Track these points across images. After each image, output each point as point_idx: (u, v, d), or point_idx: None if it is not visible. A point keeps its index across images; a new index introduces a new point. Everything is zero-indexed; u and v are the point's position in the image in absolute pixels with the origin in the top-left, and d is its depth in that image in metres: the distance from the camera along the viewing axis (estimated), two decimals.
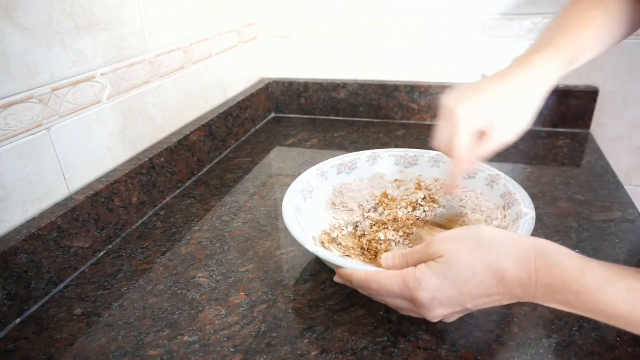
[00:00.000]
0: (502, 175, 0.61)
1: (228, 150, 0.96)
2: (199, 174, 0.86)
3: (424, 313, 0.42)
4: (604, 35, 0.52)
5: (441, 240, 0.42)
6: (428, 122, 1.04)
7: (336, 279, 0.49)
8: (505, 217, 0.57)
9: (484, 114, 0.49)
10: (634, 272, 0.35)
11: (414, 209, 0.64)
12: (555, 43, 0.50)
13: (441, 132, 0.52)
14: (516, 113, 0.49)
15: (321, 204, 0.65)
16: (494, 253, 0.39)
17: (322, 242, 0.58)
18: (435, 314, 0.41)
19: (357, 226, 0.63)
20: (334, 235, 0.60)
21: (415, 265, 0.42)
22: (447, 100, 0.51)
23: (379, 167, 0.70)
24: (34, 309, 0.55)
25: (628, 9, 0.52)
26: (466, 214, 0.62)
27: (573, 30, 0.51)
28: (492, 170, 0.62)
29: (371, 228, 0.62)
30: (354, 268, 0.46)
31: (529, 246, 0.39)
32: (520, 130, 0.49)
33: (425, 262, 0.42)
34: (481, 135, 0.50)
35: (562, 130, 0.96)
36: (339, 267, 0.47)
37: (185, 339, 0.49)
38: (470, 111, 0.49)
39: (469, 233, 0.42)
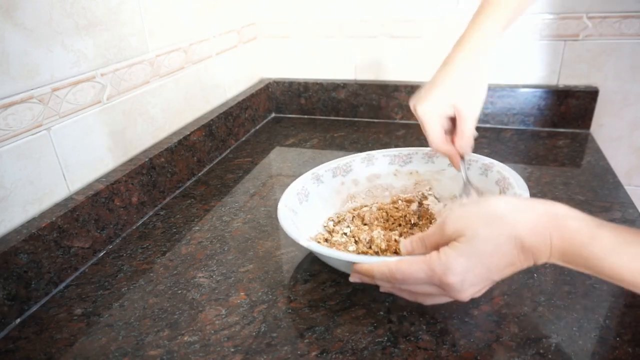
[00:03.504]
0: (495, 162, 0.62)
1: (228, 150, 0.96)
2: (199, 174, 0.86)
3: (455, 295, 0.41)
4: None
5: (455, 218, 0.42)
6: None
7: (352, 278, 0.47)
8: None
9: (442, 103, 0.53)
10: None
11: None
12: (495, 2, 0.54)
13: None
14: (472, 88, 0.53)
15: (317, 207, 0.64)
16: (509, 222, 0.39)
17: (319, 242, 0.58)
18: (467, 294, 0.41)
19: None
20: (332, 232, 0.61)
21: (434, 247, 0.42)
22: (410, 104, 0.56)
23: (373, 167, 0.70)
24: (34, 309, 0.55)
25: None
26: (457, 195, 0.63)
27: None
28: (485, 160, 0.63)
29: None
30: (372, 261, 0.44)
31: (541, 211, 0.39)
32: (483, 98, 0.53)
33: (444, 243, 0.42)
34: (453, 120, 0.54)
35: (562, 130, 0.96)
36: (339, 259, 0.47)
37: (185, 339, 0.49)
38: (428, 107, 0.54)
39: (480, 207, 0.42)
